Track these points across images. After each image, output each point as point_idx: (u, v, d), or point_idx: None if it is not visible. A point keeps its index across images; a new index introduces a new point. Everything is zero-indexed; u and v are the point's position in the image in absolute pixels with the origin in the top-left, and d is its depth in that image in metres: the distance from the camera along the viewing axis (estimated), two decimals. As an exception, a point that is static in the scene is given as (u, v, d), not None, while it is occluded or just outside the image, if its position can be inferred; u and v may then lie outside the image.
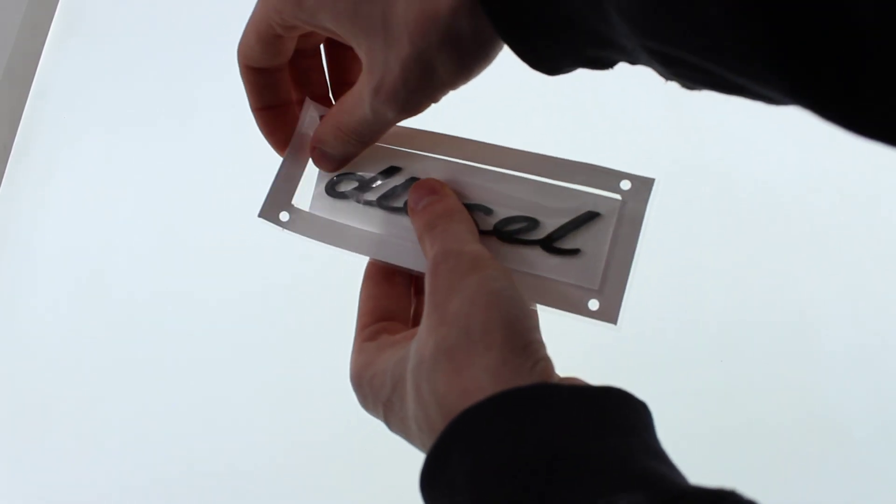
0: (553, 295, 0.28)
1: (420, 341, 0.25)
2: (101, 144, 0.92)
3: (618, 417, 0.23)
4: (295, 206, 0.33)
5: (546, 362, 0.25)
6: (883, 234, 0.76)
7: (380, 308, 0.31)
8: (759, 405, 0.71)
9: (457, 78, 0.27)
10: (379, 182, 0.32)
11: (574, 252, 0.28)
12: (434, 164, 0.32)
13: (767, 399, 0.71)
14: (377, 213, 0.31)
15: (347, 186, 0.32)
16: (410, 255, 0.30)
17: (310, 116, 0.33)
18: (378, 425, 0.29)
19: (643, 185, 0.28)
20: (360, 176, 0.32)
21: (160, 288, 0.82)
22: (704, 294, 0.75)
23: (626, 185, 0.28)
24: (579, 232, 0.29)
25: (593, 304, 0.28)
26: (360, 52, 0.27)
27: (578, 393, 0.23)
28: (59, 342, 0.81)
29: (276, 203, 0.33)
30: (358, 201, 0.32)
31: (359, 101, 0.28)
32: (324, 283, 0.77)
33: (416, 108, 0.28)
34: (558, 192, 0.29)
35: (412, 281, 0.32)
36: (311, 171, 0.33)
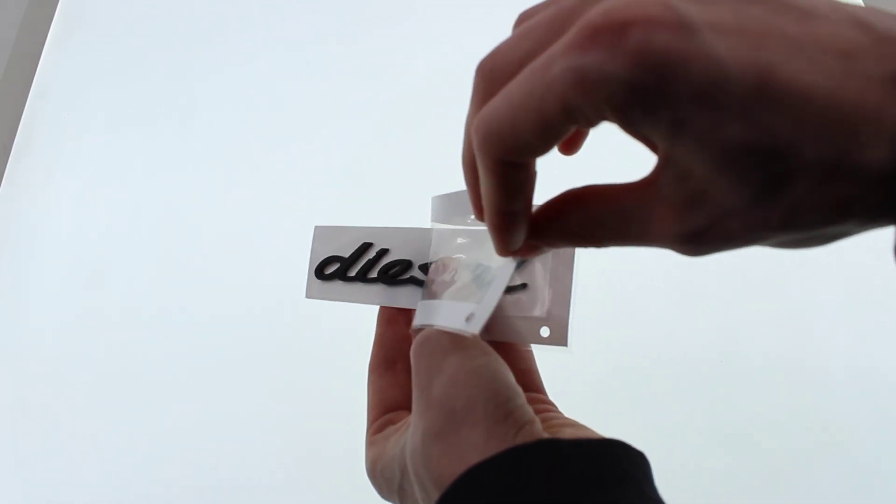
0: (510, 329, 0.31)
1: (412, 428, 0.26)
2: (100, 144, 0.92)
3: (617, 469, 0.23)
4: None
5: (531, 425, 0.25)
6: (882, 232, 0.76)
7: (386, 400, 0.32)
8: (758, 405, 0.71)
9: (786, 245, 0.20)
10: (357, 259, 0.37)
11: (522, 287, 0.31)
12: (396, 233, 0.36)
13: (767, 399, 0.71)
14: (358, 287, 0.36)
15: (331, 268, 0.37)
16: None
17: None
18: None
19: None
20: (339, 257, 0.37)
21: (160, 287, 0.82)
22: (704, 294, 0.75)
23: None
24: (523, 269, 0.32)
25: (545, 331, 0.30)
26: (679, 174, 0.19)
27: (577, 445, 0.24)
28: (59, 342, 0.81)
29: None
30: (342, 279, 0.37)
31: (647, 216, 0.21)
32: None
33: (701, 249, 0.20)
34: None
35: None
36: None
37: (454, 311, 0.29)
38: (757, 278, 0.75)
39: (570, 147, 0.26)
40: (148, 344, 0.79)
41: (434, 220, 0.35)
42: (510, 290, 0.31)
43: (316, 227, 0.39)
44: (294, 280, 0.79)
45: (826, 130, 0.17)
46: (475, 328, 0.26)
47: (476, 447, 0.24)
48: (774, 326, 0.73)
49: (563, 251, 0.31)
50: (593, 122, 0.19)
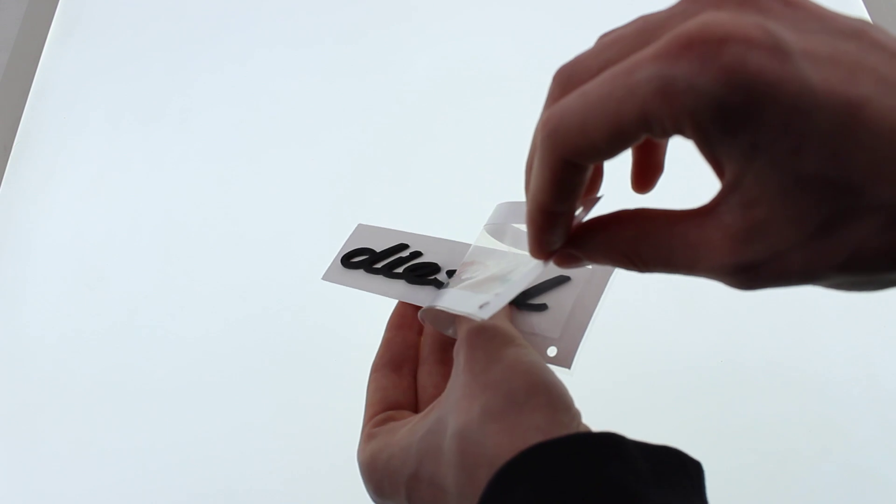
0: None
1: (459, 409, 0.26)
2: (100, 144, 0.92)
3: (675, 476, 0.24)
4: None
5: (582, 422, 0.26)
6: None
7: (388, 398, 0.32)
8: (759, 408, 0.71)
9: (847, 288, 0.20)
10: (387, 255, 0.37)
11: (542, 307, 0.32)
12: (437, 243, 0.37)
13: (767, 402, 0.71)
14: (380, 279, 0.36)
15: (359, 258, 0.38)
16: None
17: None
18: None
19: (591, 204, 0.28)
20: (370, 250, 0.38)
21: (160, 287, 0.82)
22: (704, 297, 0.75)
23: None
24: (550, 292, 0.33)
25: (552, 351, 0.31)
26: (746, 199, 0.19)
27: (642, 447, 0.24)
28: (59, 342, 0.81)
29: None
30: (367, 271, 0.37)
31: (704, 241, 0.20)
32: (323, 283, 0.77)
33: (754, 283, 0.20)
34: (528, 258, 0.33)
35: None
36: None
37: (468, 299, 0.29)
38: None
39: (644, 185, 0.26)
40: (148, 344, 0.79)
41: (492, 221, 0.34)
42: (529, 307, 0.32)
43: (359, 225, 0.39)
44: (296, 280, 0.79)
45: None
46: (486, 314, 0.26)
47: (538, 428, 0.24)
48: (775, 330, 0.73)
49: (596, 282, 0.32)
50: (668, 134, 0.18)
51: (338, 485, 0.70)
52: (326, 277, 0.38)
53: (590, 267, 0.31)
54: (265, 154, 0.87)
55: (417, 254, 0.37)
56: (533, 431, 0.24)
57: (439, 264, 0.36)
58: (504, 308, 0.31)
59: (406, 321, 0.34)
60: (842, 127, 0.16)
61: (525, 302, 0.33)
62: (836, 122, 0.16)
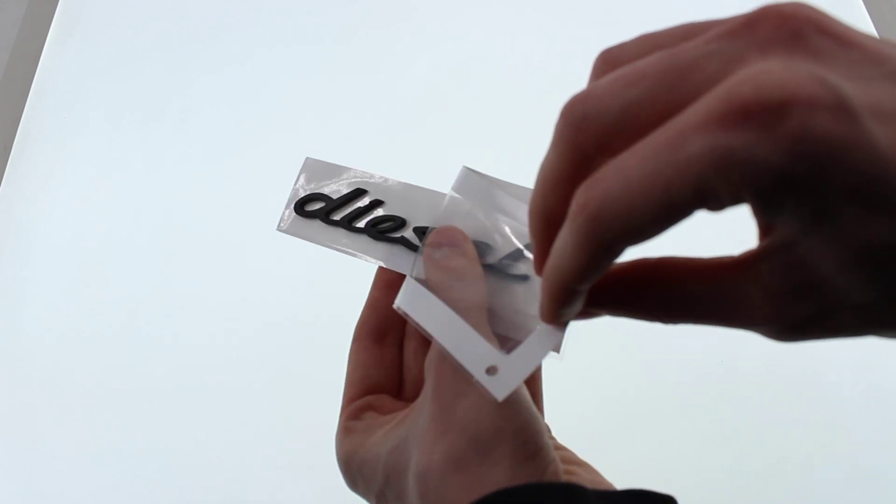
0: (502, 320, 0.28)
1: (424, 444, 0.25)
2: (100, 144, 0.92)
3: None
4: None
5: (555, 465, 0.24)
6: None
7: (367, 379, 0.30)
8: (759, 409, 0.71)
9: None
10: (345, 204, 0.32)
11: (524, 278, 0.29)
12: (399, 189, 0.32)
13: (767, 399, 0.71)
14: (341, 233, 0.32)
15: (314, 206, 0.33)
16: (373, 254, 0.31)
17: None
18: None
19: None
20: (326, 196, 0.33)
21: (160, 287, 0.82)
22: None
23: None
24: (530, 259, 0.28)
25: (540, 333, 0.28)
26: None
27: (603, 495, 0.23)
28: (59, 342, 0.81)
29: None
30: (323, 221, 0.32)
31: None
32: (323, 283, 0.77)
33: (798, 338, 0.19)
34: (508, 222, 0.29)
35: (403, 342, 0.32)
36: None
37: (469, 343, 0.25)
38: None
39: None
40: (148, 344, 0.79)
41: (457, 191, 0.30)
42: (510, 277, 0.28)
43: (307, 159, 0.34)
44: (296, 280, 0.79)
45: None
46: (499, 393, 0.23)
47: (500, 484, 0.23)
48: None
49: None
50: (724, 207, 0.16)
51: (337, 485, 0.70)
52: (281, 228, 0.33)
53: None
54: (265, 154, 0.87)
55: (377, 203, 0.32)
56: (493, 488, 0.23)
57: (405, 218, 0.31)
58: (481, 289, 0.27)
59: (397, 280, 0.29)
60: None
61: (505, 271, 0.29)
62: None
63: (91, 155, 0.91)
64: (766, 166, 0.15)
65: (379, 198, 0.32)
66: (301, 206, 0.33)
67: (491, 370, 0.24)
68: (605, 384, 0.72)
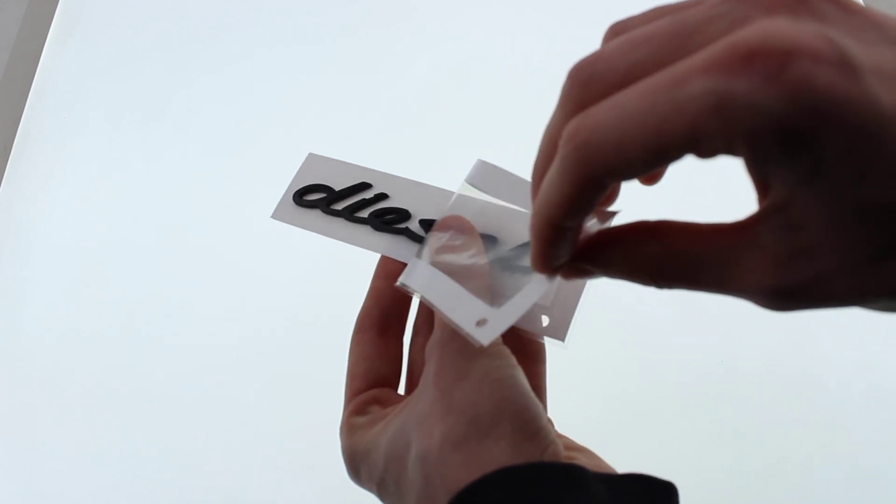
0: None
1: (424, 428, 0.25)
2: (100, 144, 0.92)
3: (639, 502, 0.23)
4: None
5: (555, 446, 0.24)
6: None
7: (371, 372, 0.30)
8: (759, 410, 0.71)
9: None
10: (349, 195, 0.32)
11: (529, 269, 0.28)
12: (404, 185, 0.31)
13: (767, 399, 0.71)
14: (341, 223, 0.31)
15: (313, 196, 0.32)
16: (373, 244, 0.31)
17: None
18: None
19: (607, 217, 0.27)
20: (328, 188, 0.32)
21: (160, 288, 0.82)
22: (704, 298, 0.75)
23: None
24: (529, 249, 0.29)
25: (544, 320, 0.28)
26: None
27: (605, 477, 0.23)
28: (59, 342, 0.81)
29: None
30: (323, 210, 0.32)
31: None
32: (322, 283, 0.77)
33: (790, 305, 0.19)
34: (515, 214, 0.29)
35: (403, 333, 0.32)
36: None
37: (463, 304, 0.25)
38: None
39: (652, 177, 0.24)
40: (148, 344, 0.79)
41: (470, 181, 0.30)
42: (516, 269, 0.28)
43: (309, 155, 0.34)
44: (297, 280, 0.79)
45: None
46: (484, 339, 0.24)
47: (499, 461, 0.23)
48: (775, 331, 0.73)
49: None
50: (715, 154, 0.16)
51: (337, 485, 0.70)
52: (277, 216, 0.32)
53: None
54: (265, 154, 0.87)
55: (382, 196, 0.31)
56: (494, 465, 0.23)
57: (410, 211, 0.31)
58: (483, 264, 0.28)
59: (399, 270, 0.29)
60: None
61: (513, 264, 0.29)
62: None
63: (91, 155, 0.91)
64: (764, 113, 0.15)
65: (384, 191, 0.31)
66: (300, 196, 0.32)
67: (480, 322, 0.24)
68: (605, 383, 0.72)
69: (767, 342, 0.73)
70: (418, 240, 0.30)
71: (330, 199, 0.32)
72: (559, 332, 0.28)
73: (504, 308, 0.25)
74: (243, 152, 0.88)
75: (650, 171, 0.17)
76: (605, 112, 0.17)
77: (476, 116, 0.87)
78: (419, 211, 0.31)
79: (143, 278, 0.83)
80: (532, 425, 0.24)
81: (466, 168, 0.30)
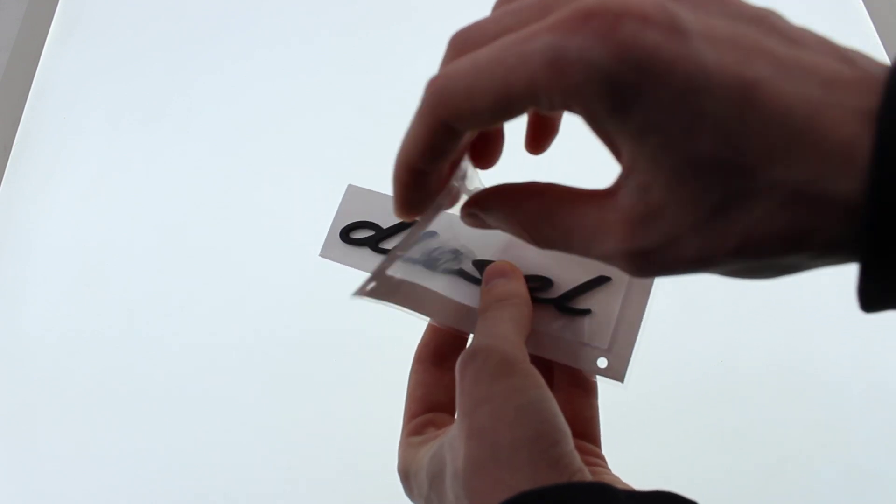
0: (565, 351, 0.29)
1: (453, 449, 0.25)
2: (100, 144, 0.92)
3: None
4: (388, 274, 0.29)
5: (581, 473, 0.24)
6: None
7: (428, 397, 0.31)
8: (759, 410, 0.71)
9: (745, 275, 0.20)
10: (396, 233, 0.32)
11: (585, 312, 0.29)
12: (451, 220, 0.31)
13: (767, 400, 0.71)
14: (395, 263, 0.31)
15: (362, 234, 0.32)
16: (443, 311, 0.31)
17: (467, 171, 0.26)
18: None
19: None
20: (375, 225, 0.32)
21: (160, 288, 0.82)
22: (704, 298, 0.75)
23: None
24: (592, 294, 0.30)
25: (602, 362, 0.29)
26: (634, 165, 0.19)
27: (632, 495, 0.23)
28: (59, 342, 0.81)
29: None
30: (373, 249, 0.32)
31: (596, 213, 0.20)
32: (322, 284, 0.77)
33: (647, 270, 0.20)
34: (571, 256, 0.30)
35: None
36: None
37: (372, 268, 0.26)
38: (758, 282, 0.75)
39: (537, 146, 0.25)
40: (148, 344, 0.79)
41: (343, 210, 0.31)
42: (573, 312, 0.29)
43: (349, 186, 0.35)
44: (297, 281, 0.79)
45: (797, 154, 0.16)
46: (360, 294, 0.25)
47: (519, 489, 0.23)
48: (775, 331, 0.73)
49: (639, 283, 0.29)
50: (555, 109, 0.18)
51: (337, 485, 0.70)
52: (325, 254, 0.32)
53: None
54: (265, 154, 0.87)
55: (431, 234, 0.31)
56: (513, 492, 0.23)
57: (460, 250, 0.31)
58: (534, 314, 0.29)
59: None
60: (735, 108, 0.16)
61: (567, 306, 0.29)
62: (730, 103, 0.16)
63: (91, 155, 0.91)
64: (593, 69, 0.16)
65: (433, 229, 0.31)
66: (346, 234, 0.33)
67: (368, 283, 0.26)
68: (604, 383, 0.72)
69: (767, 342, 0.73)
70: (474, 280, 0.31)
71: (378, 238, 0.32)
72: (618, 372, 0.29)
73: (380, 263, 0.26)
74: (243, 152, 0.88)
75: (498, 121, 0.19)
76: (461, 63, 0.19)
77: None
78: (470, 249, 0.31)
79: (143, 278, 0.83)
80: (550, 453, 0.24)
81: (465, 168, 0.30)
